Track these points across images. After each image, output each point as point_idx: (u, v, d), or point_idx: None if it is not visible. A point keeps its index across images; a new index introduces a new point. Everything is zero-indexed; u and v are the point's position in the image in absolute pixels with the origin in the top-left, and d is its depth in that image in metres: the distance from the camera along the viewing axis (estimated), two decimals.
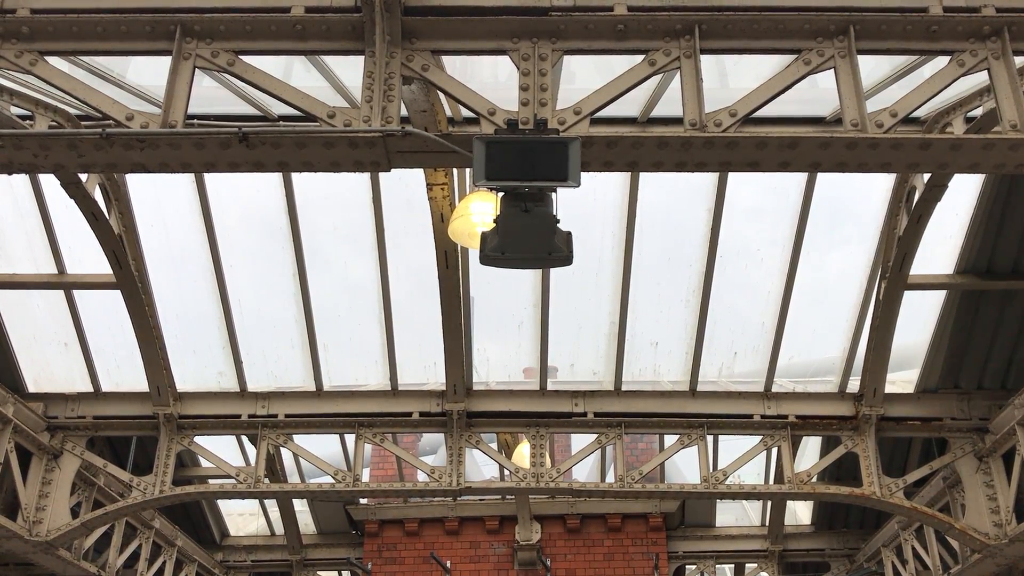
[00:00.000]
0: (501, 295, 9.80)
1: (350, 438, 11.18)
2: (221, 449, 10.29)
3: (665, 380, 10.30)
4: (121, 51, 5.85)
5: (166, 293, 9.29)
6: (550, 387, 10.09)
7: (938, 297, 9.10)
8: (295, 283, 9.54)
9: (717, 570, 13.56)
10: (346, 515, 13.55)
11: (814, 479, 9.69)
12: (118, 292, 8.75)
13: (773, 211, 9.07)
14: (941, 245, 8.63)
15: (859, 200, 8.99)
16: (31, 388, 9.82)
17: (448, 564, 13.03)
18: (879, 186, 8.47)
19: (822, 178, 8.43)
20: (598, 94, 5.60)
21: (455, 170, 8.07)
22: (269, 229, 9.19)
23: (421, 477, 13.01)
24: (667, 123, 7.50)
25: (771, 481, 11.68)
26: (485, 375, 10.49)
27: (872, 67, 6.84)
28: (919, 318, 9.32)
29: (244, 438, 11.18)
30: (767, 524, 13.22)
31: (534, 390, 10.07)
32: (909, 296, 8.64)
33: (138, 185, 8.41)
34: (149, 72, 6.89)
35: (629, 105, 7.41)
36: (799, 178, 8.54)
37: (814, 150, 5.53)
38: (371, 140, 5.52)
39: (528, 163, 5.10)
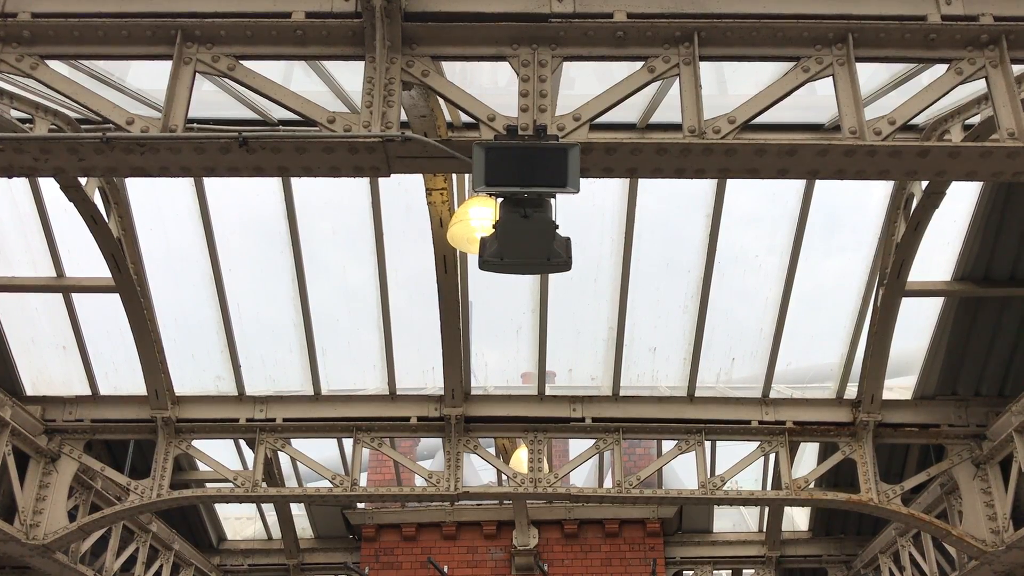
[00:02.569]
0: (500, 300, 9.80)
1: (348, 442, 11.16)
2: (219, 453, 10.29)
3: (663, 386, 10.29)
4: (122, 55, 5.87)
5: (165, 297, 9.30)
6: (548, 392, 10.09)
7: (936, 304, 9.11)
8: (294, 288, 9.54)
9: None
10: (343, 519, 13.53)
11: (812, 485, 9.69)
12: (117, 296, 8.76)
13: (771, 218, 9.09)
14: (939, 252, 8.64)
15: (857, 207, 9.00)
16: (29, 391, 9.82)
17: (445, 569, 13.02)
18: (877, 193, 8.50)
19: (820, 185, 8.44)
20: (597, 100, 5.62)
21: (454, 175, 8.08)
22: (268, 234, 9.20)
23: (419, 482, 13.01)
24: (666, 129, 7.53)
25: (769, 487, 11.67)
26: (483, 380, 10.49)
27: (870, 74, 6.85)
28: (917, 325, 9.33)
29: (242, 442, 11.18)
30: (764, 530, 13.20)
31: (532, 395, 10.08)
32: (907, 303, 8.65)
33: (138, 189, 8.43)
34: (149, 76, 6.89)
35: (628, 111, 7.42)
36: (797, 185, 8.55)
37: (812, 157, 5.55)
38: (371, 145, 5.53)
39: (527, 169, 5.11)
